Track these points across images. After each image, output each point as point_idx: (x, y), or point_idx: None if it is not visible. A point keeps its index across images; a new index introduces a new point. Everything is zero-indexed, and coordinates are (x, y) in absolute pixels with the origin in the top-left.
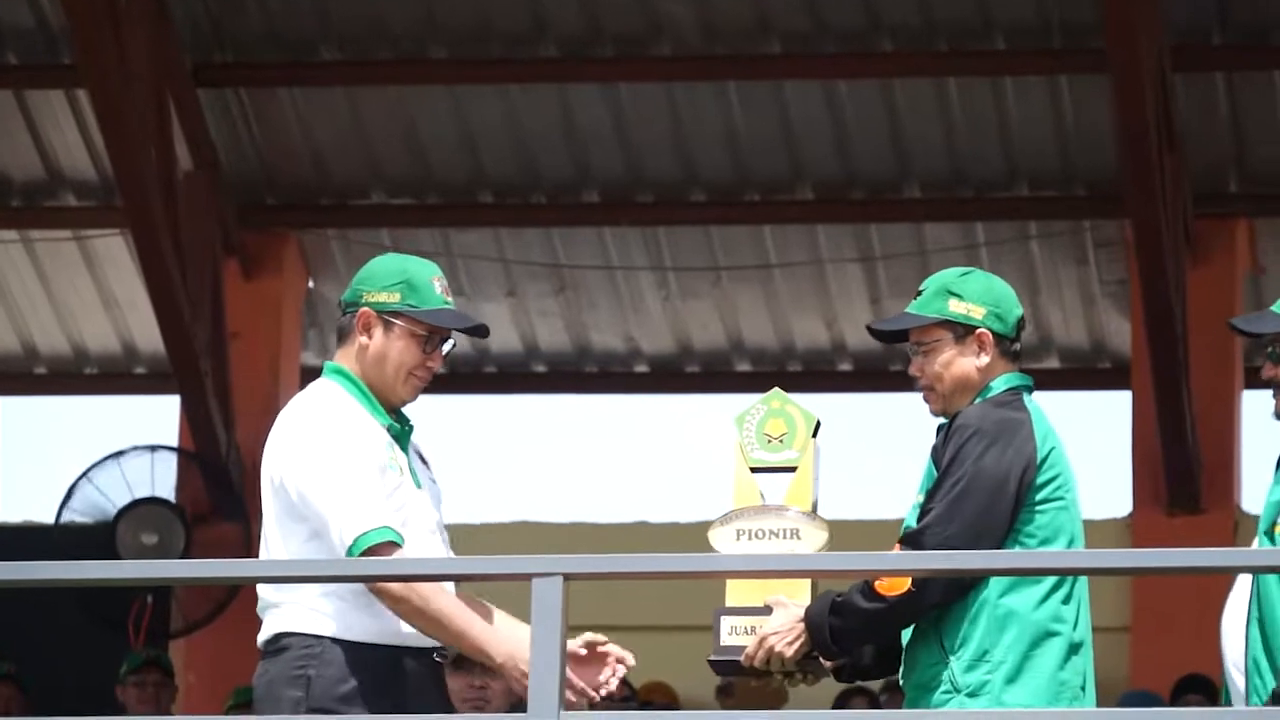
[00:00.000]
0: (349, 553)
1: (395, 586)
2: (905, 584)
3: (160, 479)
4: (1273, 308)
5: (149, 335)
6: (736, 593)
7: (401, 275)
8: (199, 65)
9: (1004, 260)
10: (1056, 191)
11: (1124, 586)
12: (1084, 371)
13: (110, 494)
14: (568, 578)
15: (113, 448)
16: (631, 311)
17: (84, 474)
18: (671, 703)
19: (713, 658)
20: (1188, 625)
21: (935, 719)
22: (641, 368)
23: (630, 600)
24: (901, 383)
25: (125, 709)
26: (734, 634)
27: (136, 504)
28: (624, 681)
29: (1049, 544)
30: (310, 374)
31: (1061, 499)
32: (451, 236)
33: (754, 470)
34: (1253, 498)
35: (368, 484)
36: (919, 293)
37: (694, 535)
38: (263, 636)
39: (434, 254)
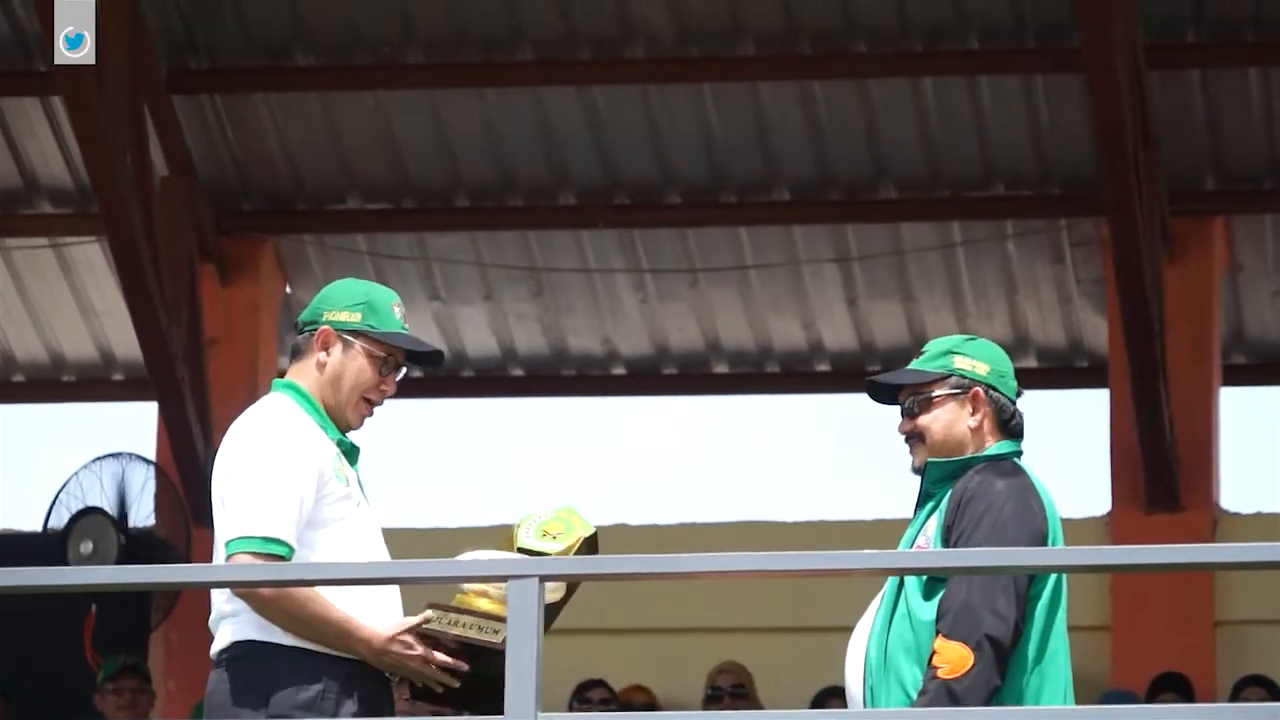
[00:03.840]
0: (227, 548)
1: (266, 590)
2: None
3: (137, 487)
4: (914, 362)
5: (126, 342)
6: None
7: (363, 297)
8: (174, 71)
9: (981, 260)
10: (1032, 190)
11: (1104, 586)
12: (1061, 370)
13: (92, 501)
14: (543, 579)
15: (90, 455)
16: (609, 314)
17: (65, 483)
18: (651, 704)
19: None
20: (1167, 624)
21: (919, 718)
22: (619, 370)
23: (608, 603)
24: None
25: (105, 717)
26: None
27: (84, 513)
28: (603, 684)
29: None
30: None
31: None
32: (428, 241)
33: (519, 550)
34: (1232, 496)
35: (282, 493)
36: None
37: (672, 537)
38: (218, 646)
39: (410, 258)
